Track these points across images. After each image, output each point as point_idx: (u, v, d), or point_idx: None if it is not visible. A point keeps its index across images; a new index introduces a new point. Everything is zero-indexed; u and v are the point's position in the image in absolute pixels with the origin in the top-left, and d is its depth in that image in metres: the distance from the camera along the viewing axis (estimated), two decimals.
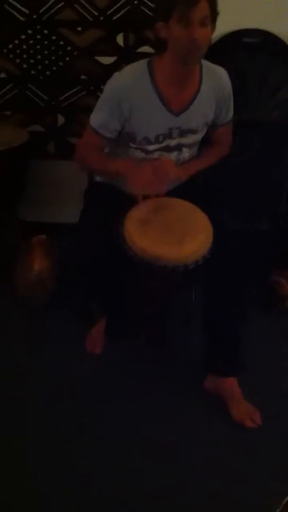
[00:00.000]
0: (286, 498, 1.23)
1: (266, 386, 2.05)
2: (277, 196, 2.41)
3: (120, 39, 2.45)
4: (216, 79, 1.92)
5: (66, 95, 2.62)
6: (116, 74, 1.85)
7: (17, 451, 1.85)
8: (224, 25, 2.33)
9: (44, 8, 2.42)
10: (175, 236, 1.71)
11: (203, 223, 1.77)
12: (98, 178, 2.11)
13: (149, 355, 2.20)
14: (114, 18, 2.41)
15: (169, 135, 1.90)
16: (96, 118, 1.89)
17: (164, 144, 1.91)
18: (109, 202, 1.83)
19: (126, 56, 2.45)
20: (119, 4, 2.37)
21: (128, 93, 1.82)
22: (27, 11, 2.44)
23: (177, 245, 1.68)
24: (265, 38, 2.32)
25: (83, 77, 2.55)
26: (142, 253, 1.67)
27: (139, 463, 1.80)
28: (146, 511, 1.66)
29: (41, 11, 2.43)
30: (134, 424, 1.93)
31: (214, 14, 1.71)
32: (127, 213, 1.77)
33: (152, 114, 1.85)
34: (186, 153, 1.99)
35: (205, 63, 1.92)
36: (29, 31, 2.48)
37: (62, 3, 2.41)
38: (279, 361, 2.17)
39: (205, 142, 2.08)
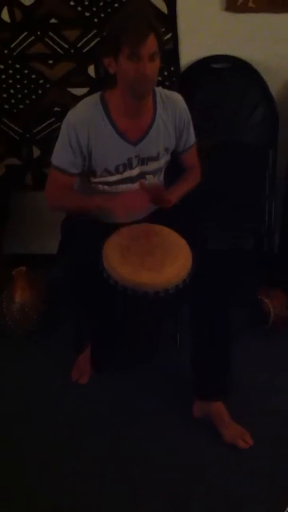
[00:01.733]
0: None
1: (254, 406, 2.04)
2: (259, 216, 2.43)
3: (91, 70, 2.48)
4: (172, 105, 1.94)
5: (41, 127, 2.63)
6: (71, 111, 1.87)
7: (15, 471, 1.86)
8: (193, 53, 2.39)
9: (15, 43, 2.45)
10: (154, 261, 1.72)
11: (182, 248, 1.78)
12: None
13: (141, 380, 2.19)
14: (85, 50, 2.44)
15: (129, 165, 1.91)
16: (59, 158, 1.89)
17: (125, 175, 1.93)
18: (87, 232, 1.84)
19: (98, 87, 2.46)
20: (88, 37, 2.40)
21: (83, 127, 1.83)
22: None
23: (156, 270, 1.69)
24: (235, 64, 2.36)
25: (56, 109, 2.57)
26: (122, 280, 1.67)
27: (137, 482, 1.80)
28: None
29: (12, 45, 2.46)
30: (132, 445, 1.93)
31: (161, 46, 1.73)
32: (105, 241, 1.78)
33: (110, 146, 1.87)
34: (152, 180, 2.00)
35: (159, 90, 1.94)
36: (1, 66, 2.51)
37: (33, 37, 2.44)
38: (267, 381, 2.16)
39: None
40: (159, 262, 1.71)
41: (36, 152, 2.70)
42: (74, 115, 1.85)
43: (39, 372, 2.28)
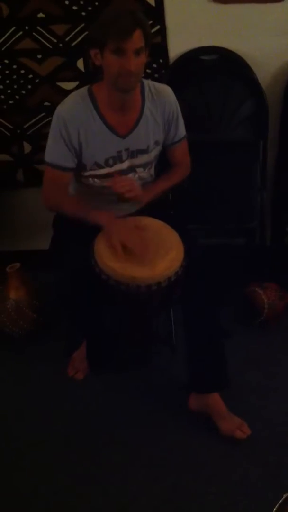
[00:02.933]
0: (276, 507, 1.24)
1: (249, 399, 2.05)
2: (250, 212, 2.43)
3: (80, 64, 2.47)
4: (161, 97, 1.93)
5: (31, 122, 2.62)
6: (59, 106, 1.86)
7: (13, 473, 1.85)
8: (182, 45, 2.38)
9: (3, 38, 2.44)
10: (146, 255, 1.71)
11: (174, 240, 1.78)
12: None
13: (138, 380, 2.20)
14: (73, 44, 2.43)
15: (119, 158, 1.91)
16: (52, 153, 1.88)
17: (115, 168, 1.92)
18: (78, 227, 1.83)
19: (88, 81, 2.45)
20: (76, 31, 2.39)
21: (73, 120, 1.82)
22: None
23: (148, 264, 1.69)
24: (223, 55, 2.36)
25: (46, 103, 2.56)
26: (114, 275, 1.67)
27: (135, 483, 1.79)
28: None
29: (0, 41, 2.44)
30: (129, 445, 1.93)
31: (148, 42, 1.72)
32: (96, 236, 1.77)
33: (99, 139, 1.86)
34: (142, 173, 2.00)
35: (148, 83, 1.94)
36: None
37: (21, 33, 2.42)
38: (261, 373, 2.17)
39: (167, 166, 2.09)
40: (151, 255, 1.71)
41: (27, 148, 2.70)
42: (63, 110, 1.85)
43: (36, 370, 2.29)
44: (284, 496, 1.26)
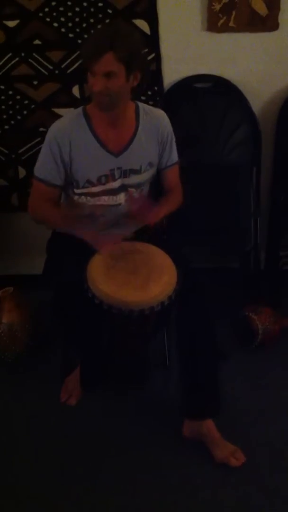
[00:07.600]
0: None
1: (246, 421, 2.03)
2: (244, 236, 2.44)
3: (76, 90, 2.50)
4: (154, 121, 1.96)
5: (26, 147, 2.64)
6: (54, 123, 1.90)
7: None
8: (176, 73, 2.42)
9: None
10: (139, 279, 1.71)
11: (166, 264, 1.78)
12: (59, 229, 2.11)
13: (130, 400, 2.18)
14: (69, 71, 2.46)
15: (111, 177, 1.93)
16: (41, 168, 1.92)
17: (107, 186, 1.94)
18: (72, 251, 1.83)
19: None
20: (72, 57, 2.43)
21: (66, 137, 1.86)
22: None
23: (141, 288, 1.68)
24: (217, 83, 2.39)
25: (41, 129, 2.58)
26: (107, 299, 1.66)
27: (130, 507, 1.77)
28: None
29: None
30: (124, 469, 1.90)
31: (130, 66, 1.73)
32: (89, 260, 1.77)
33: (92, 156, 1.89)
34: (134, 194, 2.01)
35: (142, 106, 1.97)
36: None
37: (17, 59, 2.46)
38: (256, 398, 2.15)
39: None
40: (144, 280, 1.71)
41: (22, 173, 2.71)
42: (56, 126, 1.89)
43: (29, 395, 2.25)
44: None
